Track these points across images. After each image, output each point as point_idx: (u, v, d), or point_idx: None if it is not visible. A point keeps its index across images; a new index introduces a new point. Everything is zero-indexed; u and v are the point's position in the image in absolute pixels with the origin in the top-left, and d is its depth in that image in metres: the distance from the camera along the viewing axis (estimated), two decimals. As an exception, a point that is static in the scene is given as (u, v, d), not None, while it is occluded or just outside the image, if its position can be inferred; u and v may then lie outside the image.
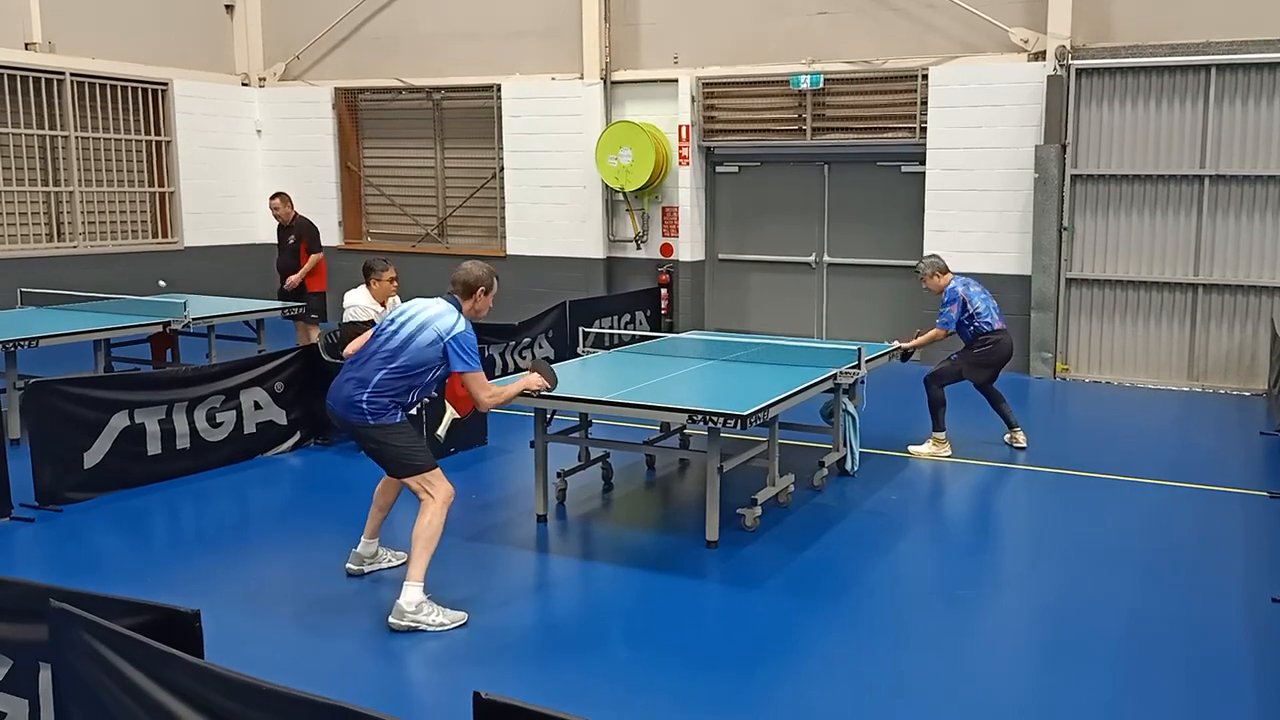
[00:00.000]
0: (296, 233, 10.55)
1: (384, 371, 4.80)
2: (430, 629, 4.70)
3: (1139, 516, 6.48)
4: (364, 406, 4.78)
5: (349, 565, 5.39)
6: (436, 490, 4.85)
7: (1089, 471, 7.37)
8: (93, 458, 6.56)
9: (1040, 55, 10.59)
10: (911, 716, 4.09)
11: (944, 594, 5.41)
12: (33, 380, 6.53)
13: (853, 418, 7.17)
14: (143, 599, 3.08)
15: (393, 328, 4.92)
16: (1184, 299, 10.48)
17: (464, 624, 4.77)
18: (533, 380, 5.22)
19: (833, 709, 4.12)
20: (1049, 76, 10.45)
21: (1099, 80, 10.49)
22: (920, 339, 7.97)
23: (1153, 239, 10.52)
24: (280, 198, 10.65)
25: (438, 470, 4.90)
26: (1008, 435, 8.11)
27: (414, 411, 5.16)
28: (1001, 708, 4.16)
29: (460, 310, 4.92)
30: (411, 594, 4.73)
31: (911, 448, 7.87)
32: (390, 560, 5.42)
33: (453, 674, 4.40)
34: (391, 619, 4.72)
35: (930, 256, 8.13)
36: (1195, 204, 10.32)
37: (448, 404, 7.51)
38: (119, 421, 6.68)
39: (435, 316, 4.86)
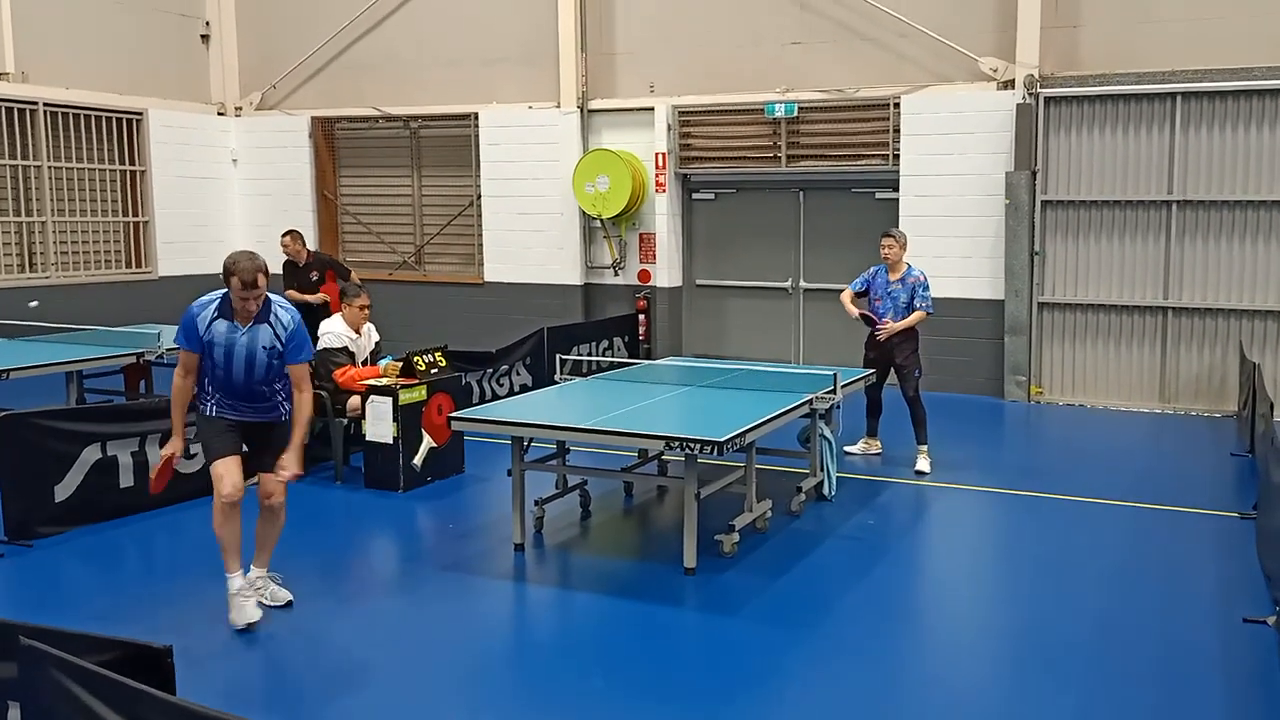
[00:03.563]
0: (319, 268, 10.45)
1: None
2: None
3: (1111, 538, 6.53)
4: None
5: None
6: (215, 485, 5.00)
7: (1063, 494, 7.43)
8: (64, 491, 6.48)
9: (1010, 84, 10.76)
10: (889, 742, 4.10)
11: (920, 618, 5.43)
12: (3, 413, 6.46)
13: (829, 443, 7.21)
14: (114, 635, 3.05)
15: None
16: (1154, 322, 10.62)
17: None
18: (172, 447, 5.09)
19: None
20: (1018, 104, 10.62)
21: (1067, 108, 10.67)
22: (907, 321, 7.97)
23: (1122, 263, 10.68)
24: (291, 235, 10.47)
25: (216, 463, 4.99)
26: (864, 443, 8.44)
27: (210, 413, 5.06)
28: (979, 732, 4.17)
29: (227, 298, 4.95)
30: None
31: (918, 465, 7.96)
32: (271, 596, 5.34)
33: (429, 706, 4.36)
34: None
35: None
36: (1164, 229, 10.48)
37: (425, 433, 7.53)
38: (91, 454, 6.62)
39: None
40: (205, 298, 5.01)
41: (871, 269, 8.23)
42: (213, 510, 5.01)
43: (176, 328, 5.10)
